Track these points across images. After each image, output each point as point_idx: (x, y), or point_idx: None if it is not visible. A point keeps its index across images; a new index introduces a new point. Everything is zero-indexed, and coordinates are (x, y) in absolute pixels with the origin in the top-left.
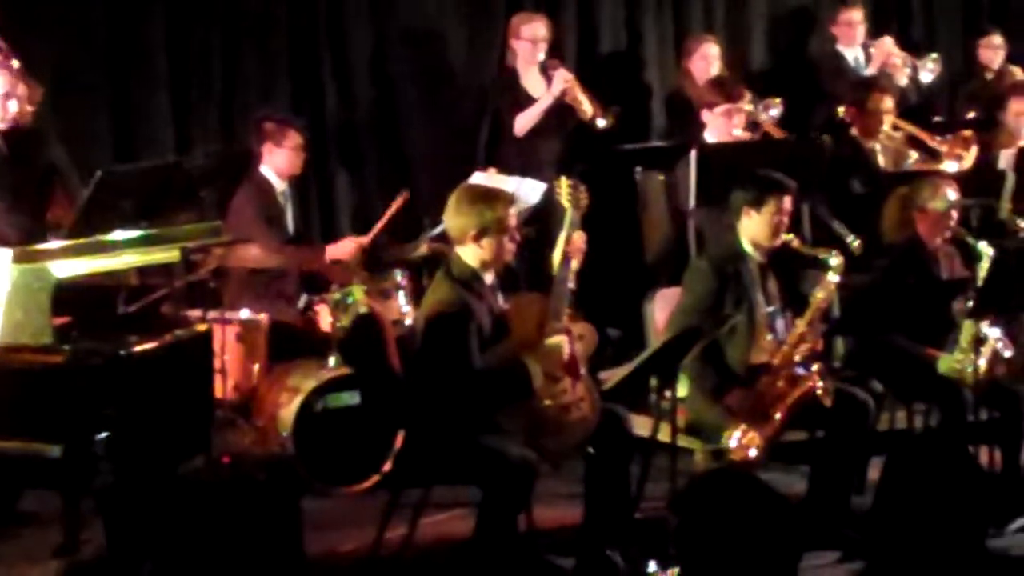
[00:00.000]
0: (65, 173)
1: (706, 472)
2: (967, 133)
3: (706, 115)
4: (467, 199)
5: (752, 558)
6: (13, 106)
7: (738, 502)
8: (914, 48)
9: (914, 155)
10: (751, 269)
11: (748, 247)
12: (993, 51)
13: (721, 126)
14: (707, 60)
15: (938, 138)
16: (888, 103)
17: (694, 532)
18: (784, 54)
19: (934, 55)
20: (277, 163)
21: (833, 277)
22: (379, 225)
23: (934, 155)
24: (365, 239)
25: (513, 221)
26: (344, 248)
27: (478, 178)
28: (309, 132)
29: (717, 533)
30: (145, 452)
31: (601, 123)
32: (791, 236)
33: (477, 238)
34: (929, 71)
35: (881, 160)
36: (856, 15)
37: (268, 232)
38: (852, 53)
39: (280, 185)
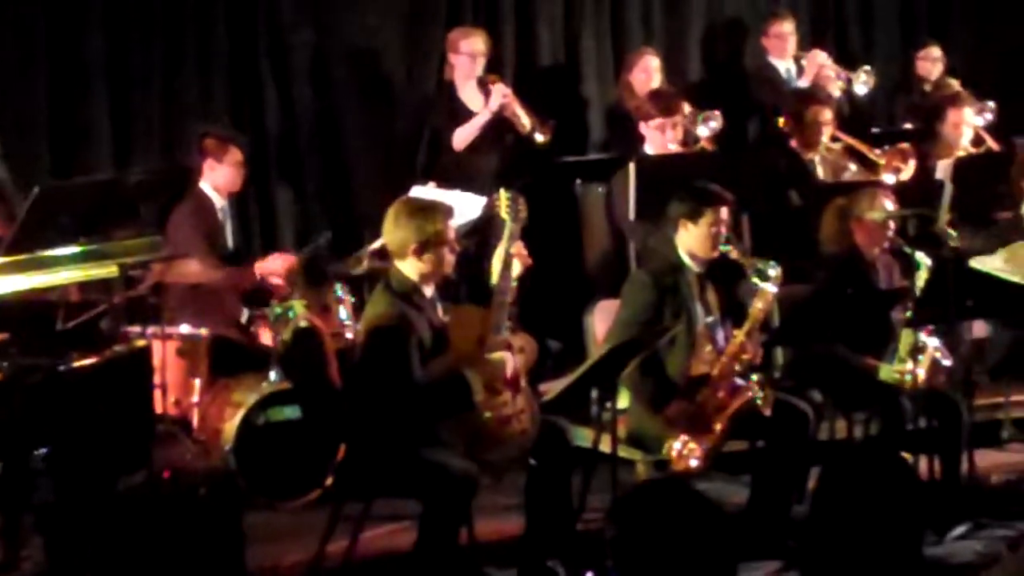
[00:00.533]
0: (6, 192)
1: (642, 482)
2: (905, 146)
3: (643, 128)
4: (406, 213)
5: (688, 568)
6: None
7: (674, 512)
8: (851, 59)
9: (852, 167)
10: (689, 281)
11: (686, 259)
12: (931, 63)
13: (657, 140)
14: (647, 73)
15: (877, 150)
16: (827, 115)
17: (631, 542)
18: (719, 66)
19: (867, 67)
20: (217, 179)
21: (771, 287)
22: (309, 247)
23: (872, 167)
24: (292, 256)
25: (453, 234)
26: (272, 265)
27: (417, 192)
28: (250, 148)
29: (653, 543)
30: (85, 468)
31: (539, 137)
32: (729, 247)
33: (417, 251)
34: (863, 83)
35: (820, 172)
36: (787, 27)
37: (205, 249)
38: (784, 65)
39: (220, 201)
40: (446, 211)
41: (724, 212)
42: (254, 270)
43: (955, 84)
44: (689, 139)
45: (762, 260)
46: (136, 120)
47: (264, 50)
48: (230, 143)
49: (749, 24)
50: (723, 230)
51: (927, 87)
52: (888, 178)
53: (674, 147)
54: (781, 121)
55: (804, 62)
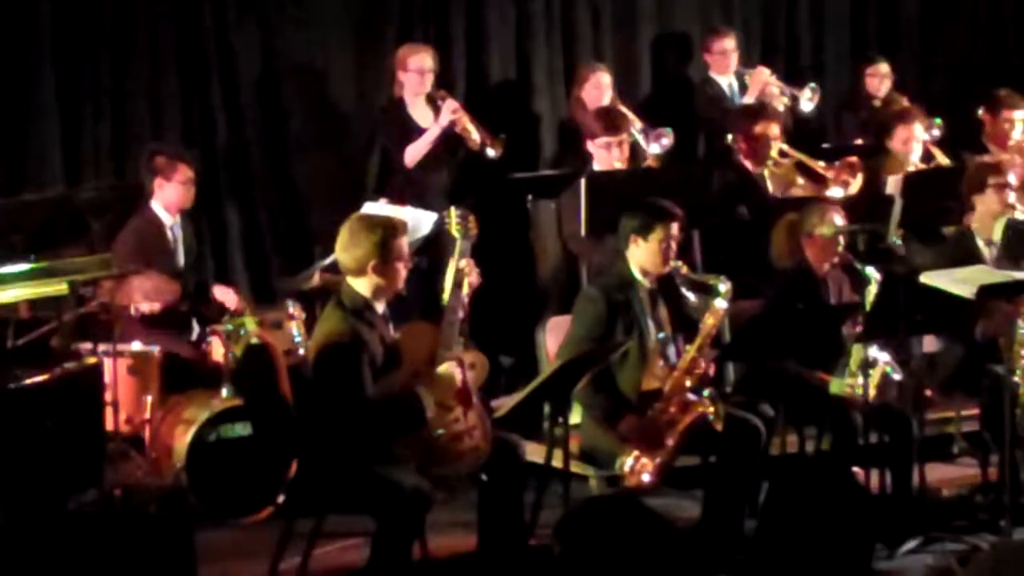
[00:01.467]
0: None
1: (589, 498)
2: (853, 159)
3: (590, 145)
4: (362, 229)
5: None
6: None
7: (622, 528)
8: (800, 74)
9: (801, 181)
10: (641, 296)
11: (637, 274)
12: (879, 79)
13: (603, 158)
14: (599, 89)
15: (824, 164)
16: (775, 130)
17: (577, 559)
18: (668, 81)
19: (812, 84)
20: (167, 197)
21: (722, 303)
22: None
23: (821, 181)
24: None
25: (407, 250)
26: (228, 297)
27: (369, 208)
28: (200, 166)
29: (601, 559)
30: (34, 486)
31: (490, 152)
32: (679, 263)
33: (376, 268)
34: (808, 100)
35: (769, 187)
36: (729, 43)
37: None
38: (725, 80)
39: (170, 220)
40: (401, 226)
41: (675, 228)
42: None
43: (904, 100)
44: (638, 156)
45: (712, 276)
46: (85, 138)
47: (215, 68)
48: (179, 161)
49: (698, 38)
50: (673, 245)
51: (876, 103)
52: (836, 192)
53: (619, 165)
54: (729, 137)
55: (747, 78)
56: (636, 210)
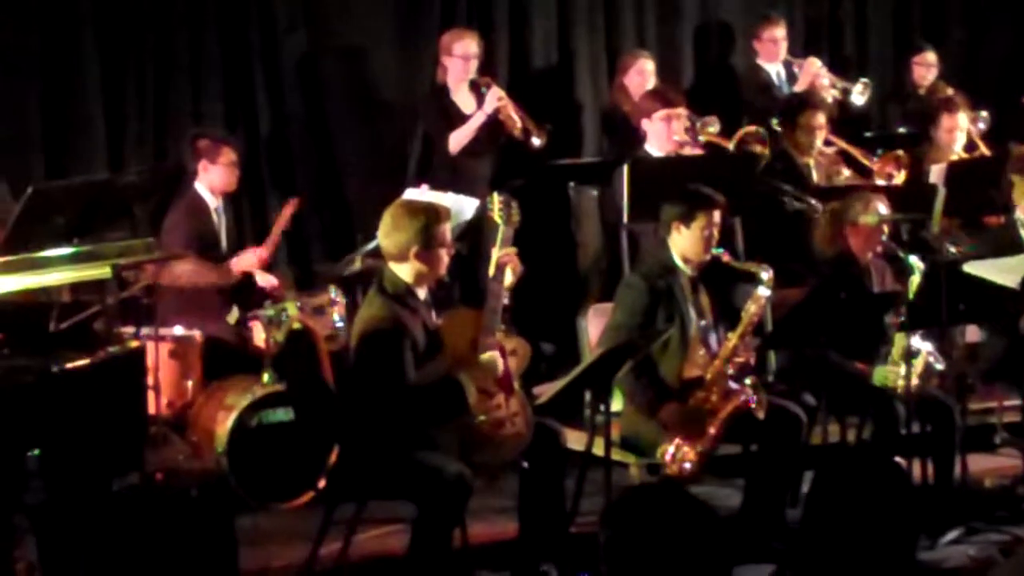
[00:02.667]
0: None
1: (635, 486)
2: (899, 153)
3: (646, 124)
4: (405, 214)
5: (682, 572)
6: None
7: (667, 515)
8: (844, 66)
9: (846, 172)
10: (683, 284)
11: (679, 262)
12: (926, 68)
13: (661, 132)
14: (643, 76)
15: (871, 157)
16: (820, 119)
17: (623, 546)
18: (711, 69)
19: (864, 79)
20: (212, 180)
21: (764, 291)
22: (274, 233)
23: (866, 173)
24: (264, 248)
25: (450, 236)
26: (246, 260)
27: (411, 194)
28: (243, 150)
29: (646, 547)
30: (78, 469)
31: (535, 141)
32: (721, 250)
33: (419, 254)
34: (860, 95)
35: (814, 176)
36: (779, 31)
37: (198, 250)
38: (774, 69)
39: (214, 202)
40: (445, 212)
41: (716, 215)
42: (230, 267)
43: (949, 89)
44: (691, 135)
45: (754, 263)
46: (129, 122)
47: (256, 53)
48: (223, 144)
49: (741, 26)
50: (715, 233)
51: (921, 92)
52: (881, 184)
53: (678, 139)
54: (774, 121)
55: (796, 68)
56: (678, 197)
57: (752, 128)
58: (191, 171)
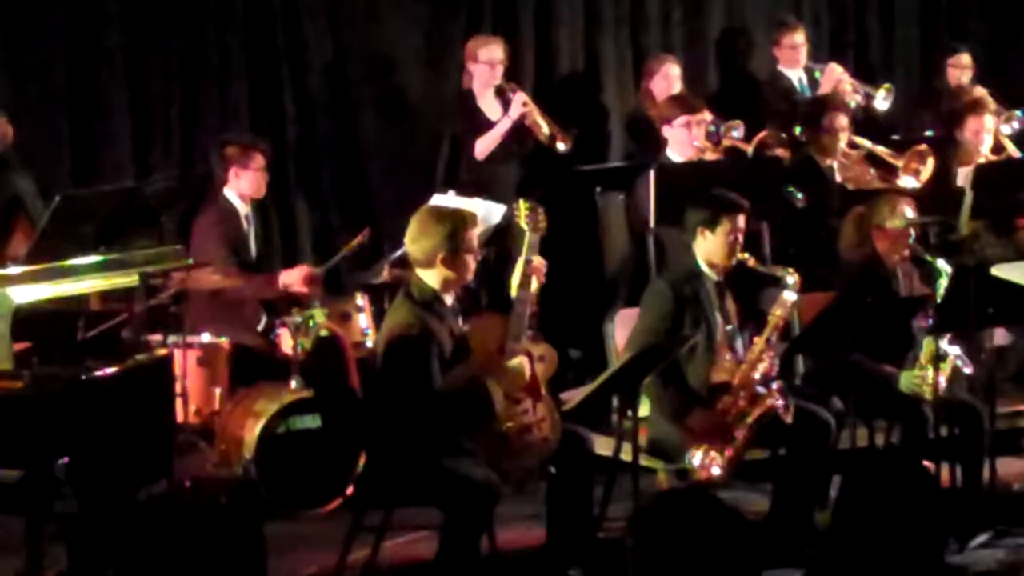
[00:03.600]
0: (30, 205)
1: (663, 491)
2: (922, 147)
3: (667, 131)
4: (431, 220)
5: None
6: None
7: (695, 521)
8: (870, 71)
9: (872, 171)
10: (708, 288)
11: (704, 266)
12: (960, 70)
13: (682, 138)
14: (668, 80)
15: (893, 153)
16: (843, 121)
17: (651, 552)
18: (735, 74)
19: (888, 85)
20: (242, 186)
21: (790, 295)
22: (336, 258)
23: (892, 171)
24: (318, 269)
25: (477, 242)
26: (294, 276)
27: (438, 200)
28: (270, 156)
29: (674, 552)
30: (107, 477)
31: (561, 146)
32: (746, 255)
33: (446, 260)
34: (883, 100)
35: (838, 178)
36: (799, 37)
37: (229, 258)
38: (795, 75)
39: (244, 209)
40: (473, 217)
41: (741, 220)
42: (277, 280)
43: (978, 90)
44: (712, 140)
45: (780, 267)
46: (156, 129)
47: (283, 59)
48: (253, 149)
49: (762, 34)
50: (740, 238)
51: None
52: (908, 181)
53: (699, 145)
54: (798, 130)
55: (818, 74)
56: (702, 202)
57: (771, 132)
58: (219, 178)
